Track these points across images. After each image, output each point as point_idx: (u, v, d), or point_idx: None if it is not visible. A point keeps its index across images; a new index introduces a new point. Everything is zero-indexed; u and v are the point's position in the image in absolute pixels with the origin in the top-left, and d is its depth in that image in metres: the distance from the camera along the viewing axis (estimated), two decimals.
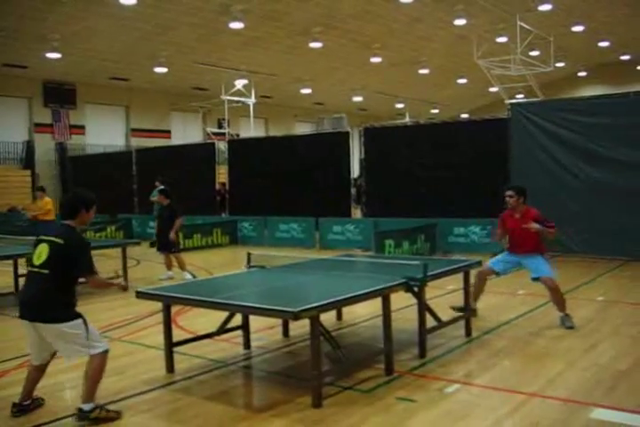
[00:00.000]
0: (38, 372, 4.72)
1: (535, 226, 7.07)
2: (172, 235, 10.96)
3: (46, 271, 4.49)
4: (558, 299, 7.08)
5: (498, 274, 7.46)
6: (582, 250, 12.06)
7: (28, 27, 21.18)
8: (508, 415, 4.45)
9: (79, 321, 4.51)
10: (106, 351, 4.63)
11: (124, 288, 5.40)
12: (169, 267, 11.19)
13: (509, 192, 7.32)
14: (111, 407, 4.71)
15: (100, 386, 4.55)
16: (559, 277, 10.30)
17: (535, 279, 7.21)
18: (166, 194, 11.44)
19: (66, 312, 4.51)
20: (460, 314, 6.75)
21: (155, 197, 18.41)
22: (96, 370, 4.54)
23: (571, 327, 6.90)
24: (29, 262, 4.70)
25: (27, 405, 4.67)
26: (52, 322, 4.44)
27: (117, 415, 4.57)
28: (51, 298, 4.49)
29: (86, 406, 4.47)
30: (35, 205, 15.03)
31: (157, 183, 18.46)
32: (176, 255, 11.16)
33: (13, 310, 8.65)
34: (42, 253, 4.56)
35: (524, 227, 7.09)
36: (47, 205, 14.67)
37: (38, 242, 4.66)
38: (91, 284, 4.82)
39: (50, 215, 14.58)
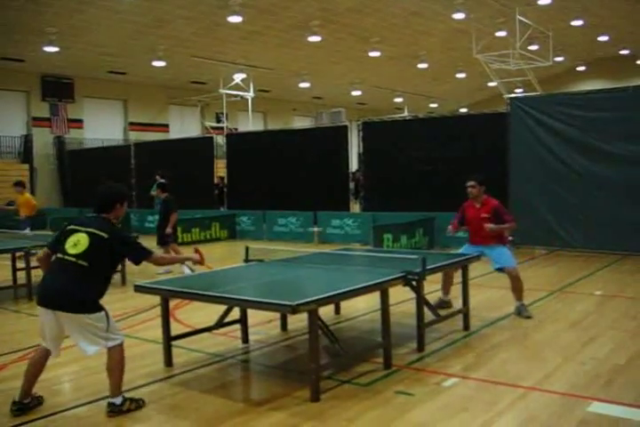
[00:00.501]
0: (35, 368, 4.64)
1: (490, 226, 7.13)
2: (167, 230, 11.01)
3: (85, 263, 4.46)
4: (518, 288, 7.24)
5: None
6: (581, 244, 12.08)
7: (25, 20, 21.09)
8: (506, 409, 4.46)
9: (103, 313, 4.52)
10: (122, 343, 4.65)
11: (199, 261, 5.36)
12: None
13: (471, 182, 7.39)
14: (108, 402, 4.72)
15: (94, 380, 4.55)
16: (557, 271, 10.39)
17: (499, 270, 7.31)
18: (163, 188, 11.49)
19: (94, 304, 4.51)
20: (460, 308, 6.76)
21: (154, 191, 18.44)
22: (118, 362, 4.57)
23: (528, 317, 7.05)
24: (60, 250, 4.58)
25: (27, 403, 4.61)
26: (78, 312, 4.42)
27: (144, 403, 4.65)
28: (85, 289, 4.47)
29: (117, 400, 4.51)
30: (21, 202, 14.51)
31: (157, 177, 18.46)
32: (175, 249, 11.18)
33: (12, 303, 8.67)
34: (80, 243, 4.51)
35: (485, 226, 7.13)
36: (32, 201, 14.49)
37: (71, 231, 4.60)
38: (155, 263, 5.00)
39: (34, 211, 14.44)
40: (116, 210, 4.78)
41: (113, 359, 4.56)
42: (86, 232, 4.55)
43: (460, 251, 7.55)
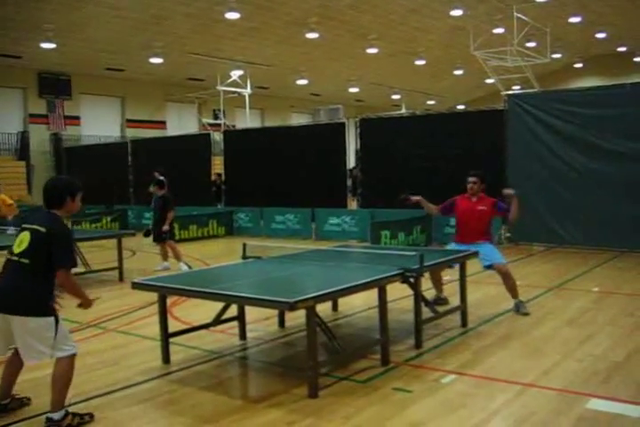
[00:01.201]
0: (11, 367, 4.44)
1: (508, 191, 7.29)
2: (164, 227, 10.99)
3: (26, 261, 4.21)
4: (511, 285, 7.22)
5: (451, 266, 7.08)
6: (578, 241, 12.09)
7: (22, 16, 21.04)
8: (504, 406, 4.46)
9: (51, 319, 4.18)
10: (74, 355, 4.29)
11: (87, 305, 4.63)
12: (165, 258, 11.20)
13: (473, 178, 7.43)
14: (105, 398, 4.71)
15: (91, 377, 4.51)
16: (555, 268, 10.39)
17: (488, 267, 7.29)
18: (161, 184, 11.47)
19: (39, 306, 4.19)
20: (457, 305, 6.75)
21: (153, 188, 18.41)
22: (63, 375, 4.22)
23: (526, 314, 7.07)
24: (10, 250, 4.37)
25: (5, 404, 4.44)
26: (23, 314, 4.13)
27: (91, 418, 4.35)
28: (26, 289, 4.19)
29: (56, 415, 4.18)
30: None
31: (156, 174, 18.42)
32: (172, 246, 11.17)
33: None
34: (23, 241, 4.27)
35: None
36: (9, 200, 14.42)
37: (22, 230, 4.39)
38: (59, 278, 4.28)
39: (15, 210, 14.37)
40: (67, 205, 4.40)
41: (58, 371, 4.22)
42: (29, 229, 4.31)
43: (446, 248, 7.57)
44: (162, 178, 17.68)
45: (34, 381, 4.98)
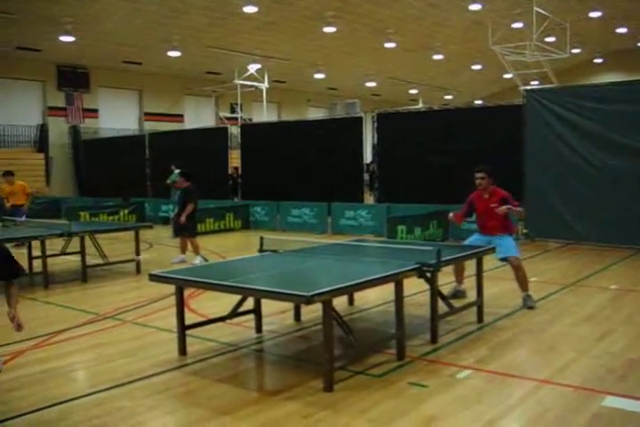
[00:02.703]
0: None
1: (503, 208, 7.19)
2: (182, 218, 11.00)
3: None
4: (521, 278, 7.31)
5: None
6: (596, 238, 11.98)
7: (41, 10, 21.16)
8: (519, 402, 4.45)
9: None
10: None
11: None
12: (183, 250, 11.21)
13: (480, 174, 7.43)
14: (122, 389, 4.76)
15: (109, 368, 4.47)
16: (571, 265, 10.34)
17: (502, 259, 7.40)
18: (187, 177, 11.41)
19: None
20: (474, 300, 6.74)
21: (171, 180, 18.56)
22: None
23: (532, 307, 7.16)
24: None
25: None
26: None
27: None
28: None
29: None
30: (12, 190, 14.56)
31: (173, 167, 18.53)
32: (192, 240, 11.18)
33: (28, 291, 8.75)
34: None
35: (496, 210, 7.21)
36: (29, 189, 14.74)
37: None
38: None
39: (23, 199, 14.60)
40: None
41: None
42: None
43: (468, 241, 7.59)
44: (177, 171, 17.81)
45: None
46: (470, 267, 6.99)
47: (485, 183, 7.41)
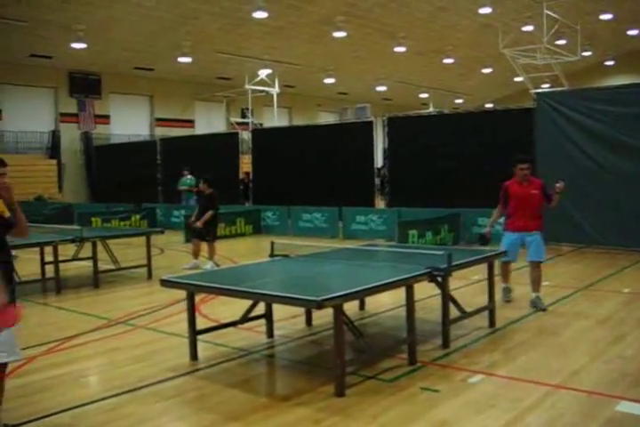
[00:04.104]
0: None
1: (561, 185, 7.32)
2: (199, 223, 11.02)
3: None
4: (536, 277, 7.47)
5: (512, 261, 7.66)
6: (608, 241, 11.91)
7: (53, 17, 21.34)
8: (531, 407, 4.42)
9: None
10: (5, 364, 3.95)
11: None
12: (196, 255, 11.21)
13: (526, 164, 7.51)
14: (134, 394, 4.77)
15: (120, 373, 4.50)
16: (584, 269, 10.28)
17: (532, 262, 7.54)
18: (210, 183, 11.44)
19: None
20: (485, 305, 6.71)
21: (184, 186, 18.63)
22: None
23: (543, 309, 7.24)
24: None
25: None
26: None
27: None
28: None
29: None
30: None
31: (185, 172, 18.59)
32: (211, 244, 11.17)
33: (40, 296, 8.80)
34: None
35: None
36: None
37: None
38: None
39: None
40: None
41: None
42: None
43: (503, 243, 7.60)
44: (190, 176, 17.87)
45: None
46: (481, 271, 6.95)
47: (529, 173, 7.52)
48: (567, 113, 12.46)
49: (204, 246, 11.27)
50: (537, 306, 7.29)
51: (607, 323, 6.70)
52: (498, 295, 6.84)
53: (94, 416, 4.43)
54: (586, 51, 30.10)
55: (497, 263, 7.17)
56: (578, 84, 24.01)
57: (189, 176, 18.79)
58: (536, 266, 7.49)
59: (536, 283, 7.44)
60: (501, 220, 8.06)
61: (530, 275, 7.54)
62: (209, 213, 11.08)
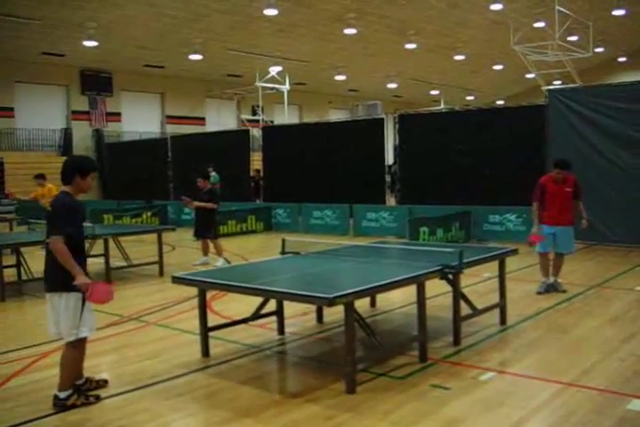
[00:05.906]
0: (70, 350, 4.54)
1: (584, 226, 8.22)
2: (195, 203, 11.01)
3: (48, 240, 4.43)
4: (559, 265, 8.23)
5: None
6: (620, 239, 11.85)
7: (65, 15, 21.44)
8: (543, 404, 4.41)
9: (76, 295, 4.38)
10: (85, 338, 4.55)
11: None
12: (205, 252, 11.26)
13: (559, 170, 7.98)
14: (146, 391, 4.80)
15: (132, 369, 4.58)
16: (596, 266, 10.24)
17: (559, 254, 8.20)
18: (207, 178, 11.47)
19: (62, 281, 4.35)
20: (496, 302, 6.68)
21: (211, 183, 18.63)
22: (71, 358, 4.51)
23: (564, 291, 8.03)
24: None
25: (79, 385, 4.68)
26: (50, 291, 4.44)
27: (96, 400, 4.58)
28: (50, 266, 4.45)
29: (62, 394, 4.48)
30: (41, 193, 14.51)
31: (210, 169, 18.58)
32: (215, 242, 11.19)
33: None
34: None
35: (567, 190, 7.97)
36: (53, 191, 14.55)
37: None
38: (49, 245, 4.39)
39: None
40: (77, 182, 4.54)
41: (67, 353, 4.52)
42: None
43: (540, 234, 8.04)
44: (214, 173, 17.77)
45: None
46: (493, 268, 6.94)
47: (563, 176, 7.98)
48: (579, 110, 12.39)
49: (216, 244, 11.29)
50: (557, 288, 8.05)
51: (619, 321, 6.68)
52: (510, 293, 6.80)
53: (107, 412, 4.46)
54: (598, 47, 29.91)
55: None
56: (590, 81, 23.88)
57: (213, 173, 18.78)
58: (560, 256, 8.19)
59: (556, 269, 8.17)
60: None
61: (553, 262, 8.19)
62: (211, 204, 11.04)
